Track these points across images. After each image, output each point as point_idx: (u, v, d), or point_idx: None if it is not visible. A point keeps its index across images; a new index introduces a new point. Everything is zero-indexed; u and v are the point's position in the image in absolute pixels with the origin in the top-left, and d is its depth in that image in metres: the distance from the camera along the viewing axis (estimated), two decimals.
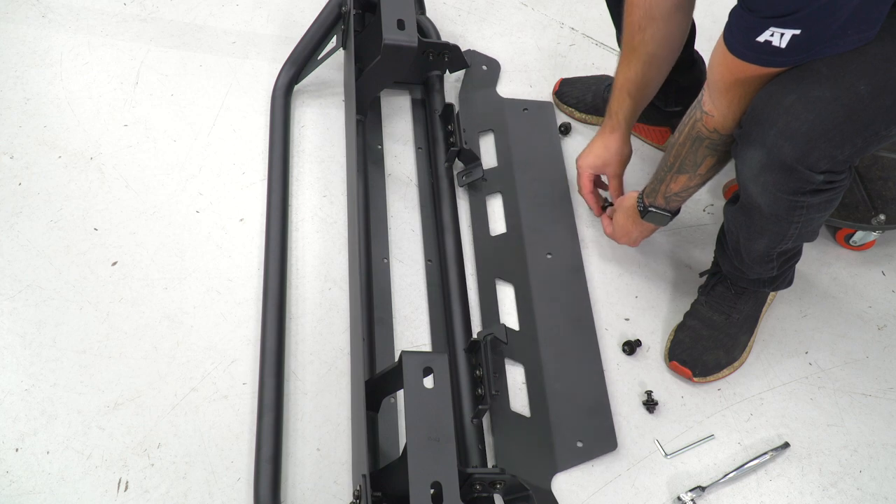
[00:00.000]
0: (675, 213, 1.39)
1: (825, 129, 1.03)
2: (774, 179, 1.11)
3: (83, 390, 1.33)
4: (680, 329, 1.45)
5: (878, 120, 1.04)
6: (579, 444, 1.32)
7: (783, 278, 1.39)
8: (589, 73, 1.84)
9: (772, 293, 1.47)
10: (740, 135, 1.12)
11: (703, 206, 1.65)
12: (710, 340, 1.41)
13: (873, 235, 1.56)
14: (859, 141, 1.06)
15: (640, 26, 1.31)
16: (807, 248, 1.59)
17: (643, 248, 1.57)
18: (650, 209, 1.38)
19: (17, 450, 1.27)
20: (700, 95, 1.19)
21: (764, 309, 1.46)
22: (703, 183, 1.29)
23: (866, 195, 1.54)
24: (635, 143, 1.73)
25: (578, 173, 1.53)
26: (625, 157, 1.48)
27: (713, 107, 1.15)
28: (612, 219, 1.52)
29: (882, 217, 1.50)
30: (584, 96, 1.76)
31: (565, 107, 1.78)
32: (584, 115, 1.76)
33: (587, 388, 1.39)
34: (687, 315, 1.46)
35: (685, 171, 1.27)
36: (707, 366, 1.41)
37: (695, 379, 1.41)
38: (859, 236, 1.57)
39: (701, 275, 1.50)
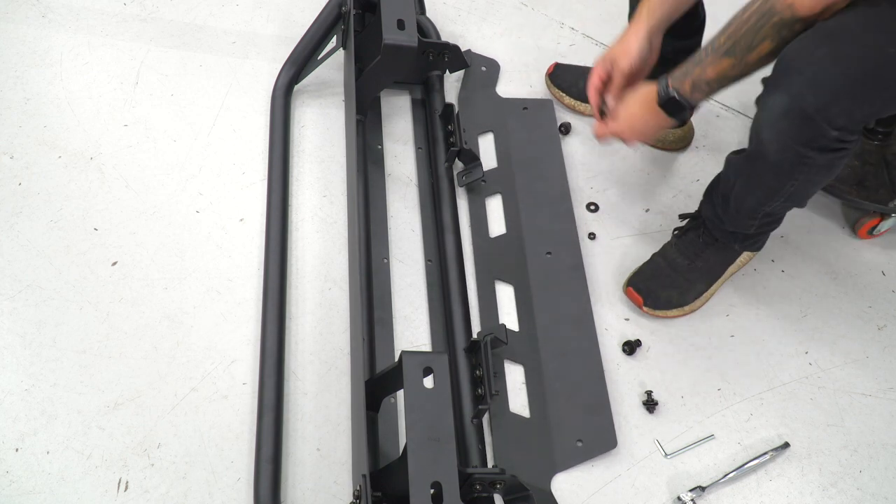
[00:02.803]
0: (693, 109, 1.29)
1: (849, 85, 1.08)
2: (790, 127, 1.15)
3: (83, 390, 1.33)
4: (646, 262, 1.51)
5: None
6: (579, 444, 1.32)
7: (755, 240, 1.44)
8: None
9: (744, 255, 1.50)
10: (768, 80, 1.16)
11: None
12: (667, 279, 1.47)
13: (889, 223, 1.60)
14: (878, 101, 1.11)
15: None
16: (806, 247, 1.60)
17: (643, 248, 1.57)
18: (672, 95, 1.26)
19: (17, 450, 1.27)
20: None
21: (731, 268, 1.50)
22: (741, 76, 1.22)
23: (889, 180, 1.58)
24: None
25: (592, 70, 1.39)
26: (634, 54, 1.32)
27: None
28: (610, 118, 1.37)
29: None
30: (576, 81, 1.75)
31: (555, 89, 1.77)
32: (573, 102, 1.76)
33: (587, 387, 1.39)
34: (655, 253, 1.51)
35: (733, 54, 1.18)
36: (658, 300, 1.47)
37: (644, 308, 1.47)
38: (886, 225, 1.60)
39: (681, 217, 1.53)
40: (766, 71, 1.18)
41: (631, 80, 1.35)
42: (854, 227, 1.62)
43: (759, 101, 1.20)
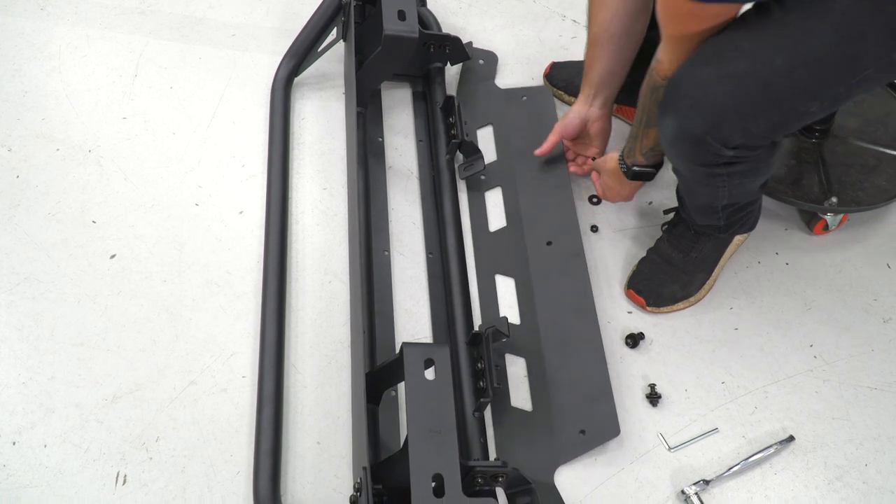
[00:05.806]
0: (660, 165, 1.41)
1: (737, 104, 1.05)
2: (685, 150, 1.15)
3: (81, 383, 1.32)
4: (642, 261, 1.50)
5: (794, 94, 1.05)
6: (581, 434, 1.31)
7: (739, 224, 1.40)
8: None
9: (739, 237, 1.47)
10: (661, 103, 1.15)
11: None
12: (667, 275, 1.46)
13: (833, 219, 1.56)
14: (776, 116, 1.07)
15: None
16: (809, 240, 1.59)
17: (646, 240, 1.55)
18: (633, 168, 1.40)
19: (14, 443, 1.26)
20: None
21: (728, 252, 1.48)
22: None
23: (825, 178, 1.55)
24: (622, 126, 1.72)
25: None
26: (569, 126, 1.53)
27: (663, 53, 1.16)
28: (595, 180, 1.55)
29: (834, 200, 1.51)
30: (573, 79, 1.75)
31: (554, 89, 1.79)
32: (572, 99, 1.74)
33: (589, 378, 1.37)
34: (650, 250, 1.51)
35: (653, 124, 1.26)
36: (661, 297, 1.46)
37: (648, 308, 1.46)
38: (831, 221, 1.56)
39: (665, 212, 1.53)
40: None
41: (576, 141, 1.59)
42: (809, 226, 1.59)
43: (657, 121, 1.20)
